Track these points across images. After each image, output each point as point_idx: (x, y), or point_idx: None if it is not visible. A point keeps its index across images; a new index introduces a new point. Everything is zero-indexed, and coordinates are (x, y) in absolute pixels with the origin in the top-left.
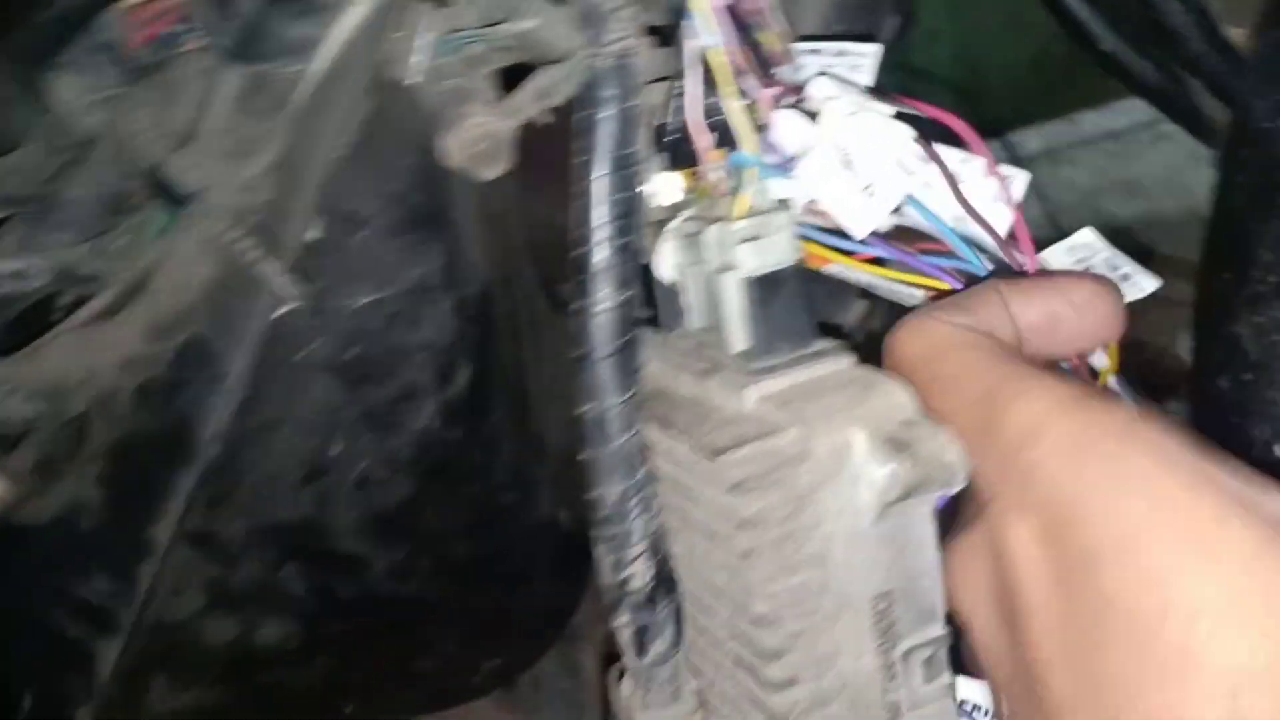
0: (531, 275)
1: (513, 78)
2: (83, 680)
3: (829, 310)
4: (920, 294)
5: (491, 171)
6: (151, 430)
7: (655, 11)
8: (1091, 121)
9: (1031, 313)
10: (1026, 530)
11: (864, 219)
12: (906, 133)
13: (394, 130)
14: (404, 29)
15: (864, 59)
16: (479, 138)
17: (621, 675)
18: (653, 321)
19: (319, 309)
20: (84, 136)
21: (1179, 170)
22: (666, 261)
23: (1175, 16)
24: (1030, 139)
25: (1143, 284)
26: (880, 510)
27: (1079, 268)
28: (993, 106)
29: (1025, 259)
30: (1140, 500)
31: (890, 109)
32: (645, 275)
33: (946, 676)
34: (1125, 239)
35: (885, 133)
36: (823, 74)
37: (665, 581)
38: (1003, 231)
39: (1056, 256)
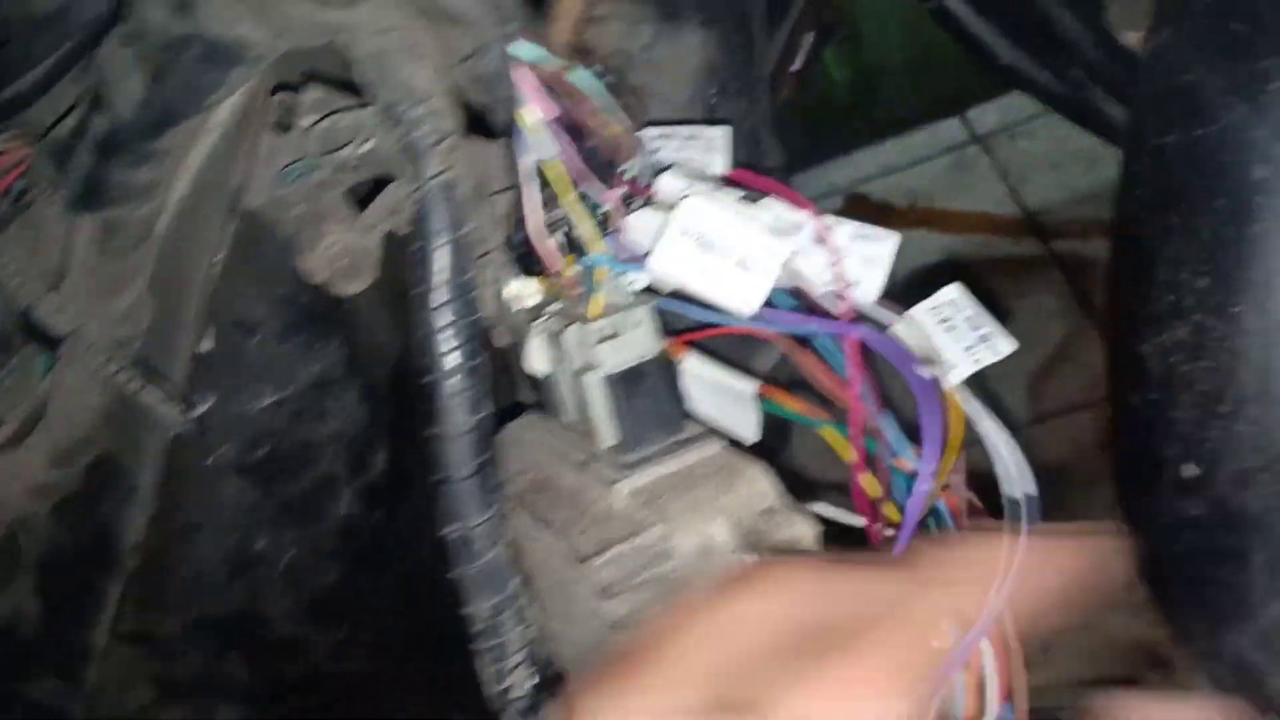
0: None
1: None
2: None
3: (743, 357)
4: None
5: (357, 285)
6: (73, 544)
7: (492, 120)
8: None
9: None
10: None
11: (749, 294)
12: (774, 209)
13: (267, 239)
14: (250, 160)
15: (716, 140)
16: (338, 255)
17: None
18: (542, 406)
19: (222, 415)
20: None
21: None
22: (538, 357)
23: (1068, 25)
24: (988, 114)
25: (999, 347)
26: None
27: (942, 328)
28: (948, 82)
29: (890, 317)
30: None
31: (740, 193)
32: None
33: None
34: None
35: (742, 215)
36: (668, 168)
37: (549, 685)
38: (872, 295)
39: (922, 315)
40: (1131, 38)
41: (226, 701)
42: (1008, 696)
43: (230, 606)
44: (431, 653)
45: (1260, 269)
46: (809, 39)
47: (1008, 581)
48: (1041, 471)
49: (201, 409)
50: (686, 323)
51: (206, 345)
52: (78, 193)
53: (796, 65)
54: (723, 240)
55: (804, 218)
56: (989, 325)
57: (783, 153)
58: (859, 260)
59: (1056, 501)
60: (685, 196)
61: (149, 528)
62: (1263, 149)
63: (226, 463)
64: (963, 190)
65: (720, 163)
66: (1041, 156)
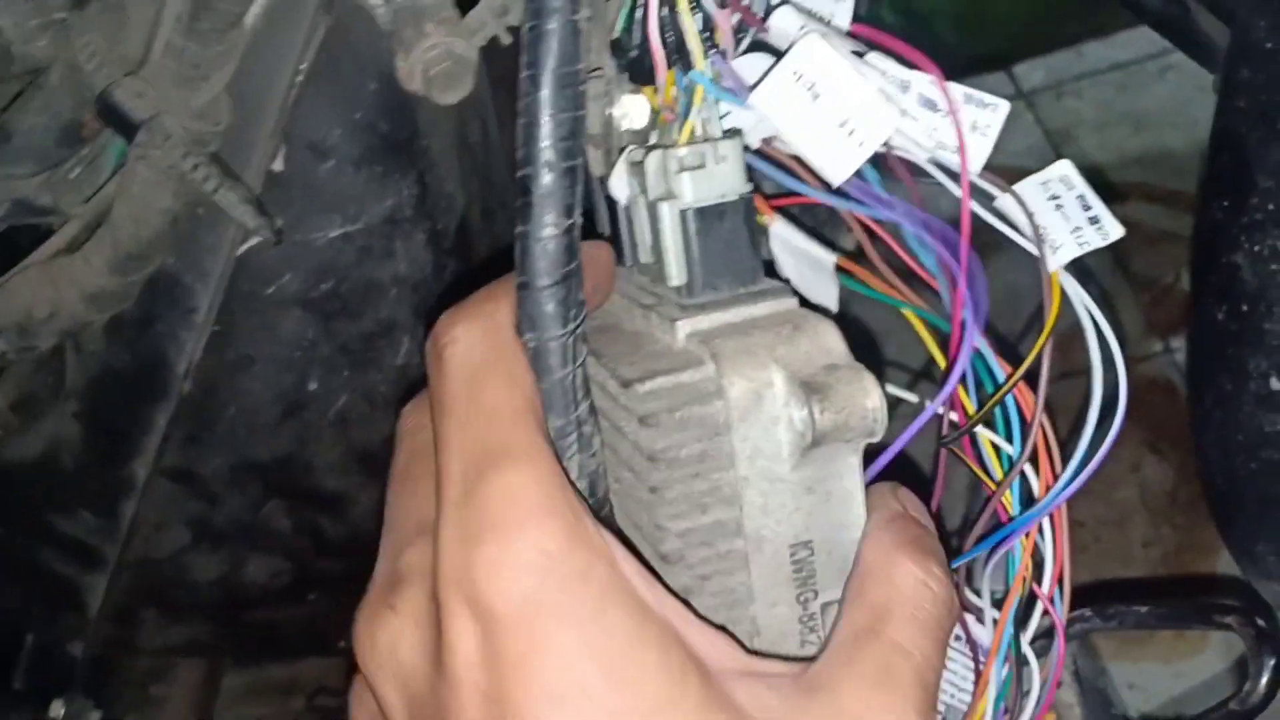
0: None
1: None
2: (74, 616)
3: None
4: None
5: (454, 95)
6: (125, 366)
7: None
8: (1097, 53)
9: None
10: (467, 627)
11: (843, 162)
12: (881, 66)
13: (355, 53)
14: None
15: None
16: (438, 58)
17: None
18: (617, 247)
19: (288, 242)
20: (32, 65)
21: (1186, 103)
22: (619, 184)
23: None
24: (1035, 71)
25: (1109, 230)
26: (798, 455)
27: (1051, 205)
28: (997, 38)
29: (994, 189)
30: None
31: (862, 46)
32: (611, 202)
33: None
34: (1130, 171)
35: (861, 72)
36: (786, 2)
37: (605, 522)
38: (979, 164)
39: (1029, 190)
40: None
41: (262, 552)
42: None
43: (277, 450)
44: None
45: None
46: None
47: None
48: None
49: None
50: (771, 186)
51: (278, 165)
52: None
53: None
54: (833, 93)
55: (915, 76)
56: (1098, 207)
57: None
58: (967, 126)
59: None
60: (806, 33)
61: (203, 356)
62: None
63: (288, 294)
64: (1004, 145)
65: (846, 11)
66: (1087, 117)
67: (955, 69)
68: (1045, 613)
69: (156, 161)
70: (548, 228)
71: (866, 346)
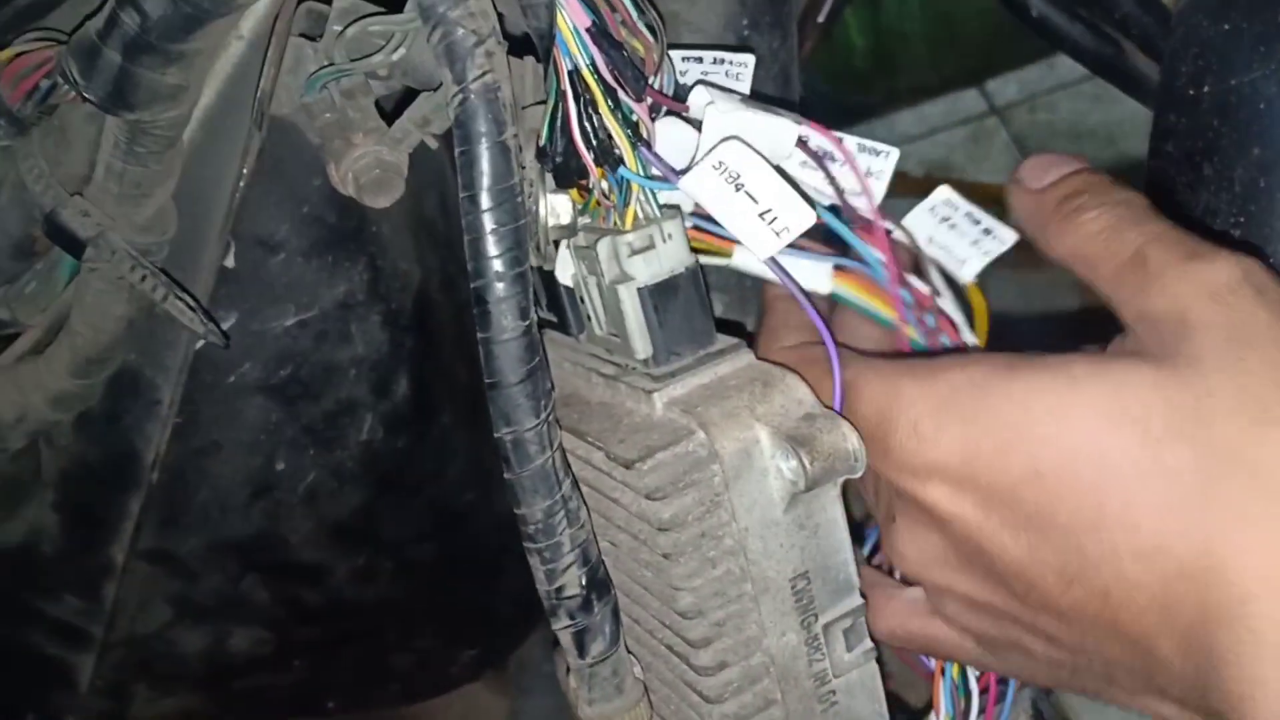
0: None
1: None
2: (67, 694)
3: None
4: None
5: (386, 199)
6: (96, 459)
7: (531, 27)
8: (1069, 65)
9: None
10: (953, 495)
11: (765, 246)
12: (790, 130)
13: (296, 154)
14: (277, 67)
15: (743, 69)
16: (368, 167)
17: (568, 670)
18: (561, 325)
19: (245, 333)
20: None
21: None
22: (565, 269)
23: None
24: (1008, 86)
25: (1003, 236)
26: (790, 500)
27: (945, 226)
28: (969, 55)
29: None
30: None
31: (768, 108)
32: (550, 281)
33: (867, 643)
34: None
35: (768, 132)
36: (701, 82)
37: (599, 585)
38: (875, 203)
39: (921, 219)
40: None
41: (245, 624)
42: None
43: (250, 528)
44: (447, 587)
45: None
46: None
47: None
48: None
49: (223, 325)
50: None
51: (229, 262)
52: (105, 94)
53: (822, 16)
54: (754, 186)
55: (812, 131)
56: (987, 219)
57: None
58: (861, 172)
59: None
60: (729, 139)
61: (170, 444)
62: None
63: (249, 382)
64: (980, 161)
65: (745, 82)
66: (1060, 130)
67: (927, 86)
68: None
69: (106, 274)
70: (507, 331)
71: None
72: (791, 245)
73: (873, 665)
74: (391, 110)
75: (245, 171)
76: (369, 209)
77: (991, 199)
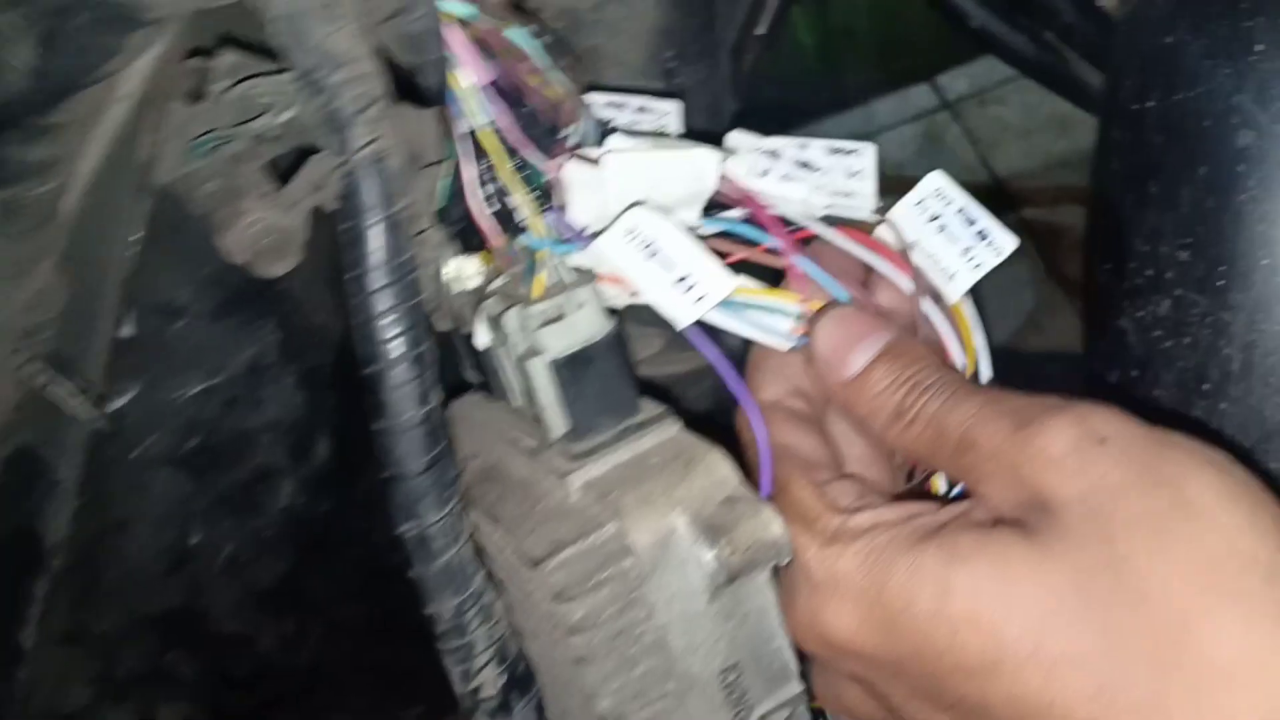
0: None
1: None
2: None
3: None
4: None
5: (282, 267)
6: None
7: (420, 88)
8: None
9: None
10: (857, 665)
11: (684, 312)
12: (711, 157)
13: (183, 220)
14: (159, 132)
15: (668, 115)
16: (260, 234)
17: None
18: (486, 387)
19: (149, 404)
20: None
21: None
22: (483, 336)
23: None
24: (958, 80)
25: (1001, 244)
26: (712, 591)
27: (934, 227)
28: (918, 48)
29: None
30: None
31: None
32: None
33: None
34: (1060, 174)
35: (685, 167)
36: (613, 130)
37: (518, 682)
38: (871, 205)
39: (907, 214)
40: (1108, 2)
41: (170, 700)
42: None
43: (169, 603)
44: (383, 644)
45: (1244, 241)
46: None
47: None
48: None
49: (123, 400)
50: None
51: (127, 331)
52: None
53: (762, 29)
54: (667, 253)
55: (781, 143)
56: (984, 219)
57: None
58: (843, 175)
59: None
60: (634, 205)
61: (75, 523)
62: (1247, 114)
63: (155, 455)
64: (932, 157)
65: (677, 119)
66: (1012, 123)
67: (877, 83)
68: None
69: None
70: (406, 419)
71: None
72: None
73: None
74: (288, 167)
75: (135, 240)
76: None
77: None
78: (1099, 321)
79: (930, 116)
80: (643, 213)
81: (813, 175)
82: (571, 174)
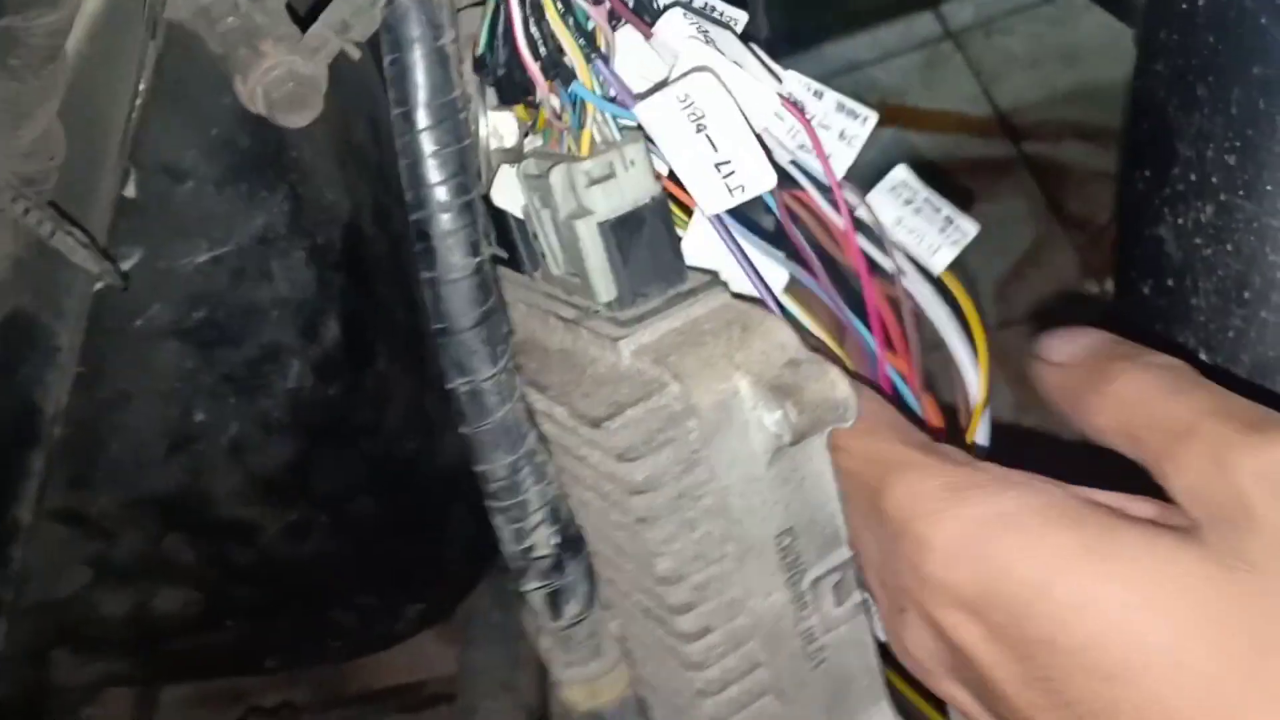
0: None
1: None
2: None
3: None
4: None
5: (303, 118)
6: None
7: None
8: None
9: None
10: (967, 625)
11: (715, 199)
12: (770, 101)
13: (201, 68)
14: None
15: (734, 23)
16: (280, 80)
17: (538, 630)
18: (511, 261)
19: (152, 271)
20: None
21: (1118, 35)
22: (512, 198)
23: None
24: (964, 9)
25: (966, 228)
26: (774, 454)
27: (906, 210)
28: None
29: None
30: (1070, 577)
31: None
32: (498, 211)
33: (857, 595)
34: (1064, 109)
35: (745, 96)
36: (678, 5)
37: (571, 543)
38: (841, 171)
39: (879, 199)
40: None
41: (170, 584)
42: None
43: (170, 484)
44: (388, 540)
45: None
46: None
47: None
48: (1007, 378)
49: (125, 265)
50: None
51: (130, 191)
52: None
53: None
54: (719, 131)
55: (790, 75)
56: (947, 207)
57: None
58: (835, 134)
59: (1021, 406)
60: (700, 69)
61: (74, 395)
62: None
63: (159, 325)
64: (934, 88)
65: (741, 17)
66: (1018, 54)
67: (883, 10)
68: None
69: None
70: (456, 270)
71: None
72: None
73: (862, 618)
74: (305, 15)
75: (142, 88)
76: (287, 131)
77: (944, 127)
78: (1134, 231)
79: (934, 45)
80: (707, 80)
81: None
82: (625, 38)
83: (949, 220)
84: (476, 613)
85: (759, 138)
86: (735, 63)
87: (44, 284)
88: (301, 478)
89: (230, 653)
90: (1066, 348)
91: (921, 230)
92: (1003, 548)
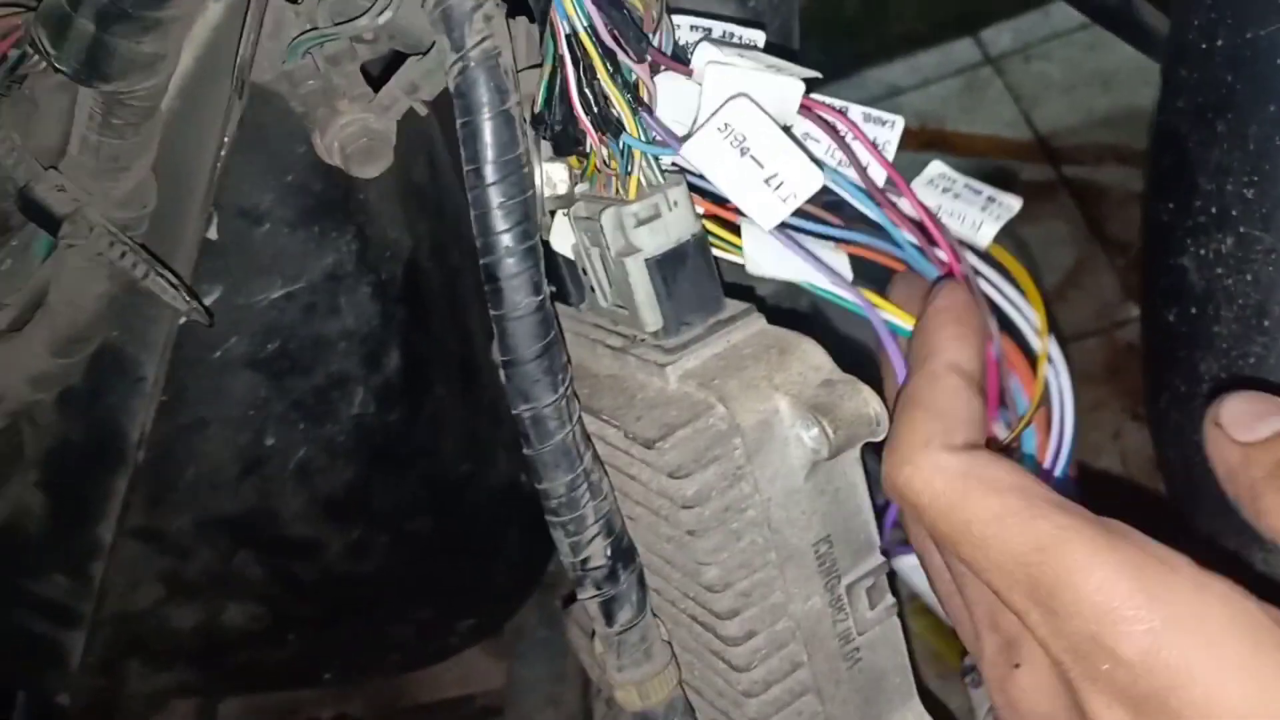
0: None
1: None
2: (57, 672)
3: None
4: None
5: (374, 169)
6: (79, 438)
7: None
8: (1064, 12)
9: (974, 358)
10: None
11: (770, 213)
12: (796, 88)
13: (279, 120)
14: (259, 31)
15: (753, 46)
16: (354, 135)
17: (593, 636)
18: (560, 295)
19: (230, 307)
20: None
21: (1152, 61)
22: (564, 239)
23: None
24: (1002, 35)
25: (1009, 203)
26: (811, 468)
27: (945, 198)
28: (961, 2)
29: (906, 208)
30: (1244, 687)
31: (772, 70)
32: (547, 250)
33: (889, 599)
34: (1102, 132)
35: (773, 92)
36: (705, 40)
37: (624, 554)
38: (880, 180)
39: (920, 190)
40: None
41: (238, 600)
42: None
43: (241, 505)
44: (443, 558)
45: None
46: None
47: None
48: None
49: (208, 299)
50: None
51: (212, 234)
52: (78, 64)
53: None
54: (761, 150)
55: (812, 99)
56: (987, 188)
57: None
58: (864, 147)
59: None
60: (736, 97)
61: (156, 421)
62: None
63: (235, 356)
64: (973, 112)
65: (759, 35)
66: (1055, 79)
67: (920, 36)
68: None
69: (84, 251)
70: (521, 308)
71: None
72: (802, 221)
73: (895, 620)
74: (378, 75)
75: (226, 140)
76: (355, 178)
77: (984, 151)
78: (1158, 260)
79: (973, 71)
80: (742, 104)
81: (837, 138)
82: (665, 83)
83: (990, 199)
84: (524, 629)
85: (798, 142)
86: (756, 69)
87: (133, 319)
88: (363, 498)
89: (291, 665)
90: (1256, 427)
91: (963, 212)
92: (1187, 661)
